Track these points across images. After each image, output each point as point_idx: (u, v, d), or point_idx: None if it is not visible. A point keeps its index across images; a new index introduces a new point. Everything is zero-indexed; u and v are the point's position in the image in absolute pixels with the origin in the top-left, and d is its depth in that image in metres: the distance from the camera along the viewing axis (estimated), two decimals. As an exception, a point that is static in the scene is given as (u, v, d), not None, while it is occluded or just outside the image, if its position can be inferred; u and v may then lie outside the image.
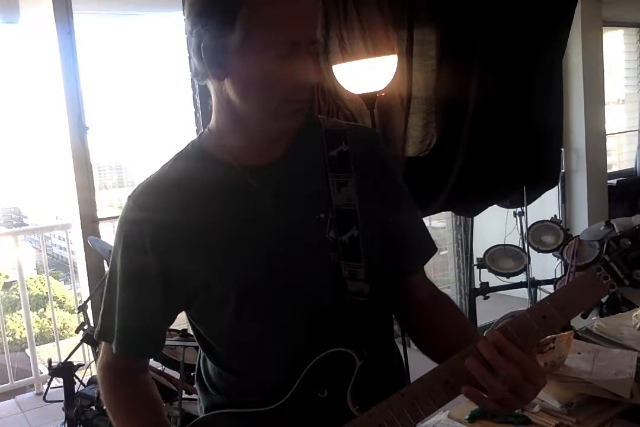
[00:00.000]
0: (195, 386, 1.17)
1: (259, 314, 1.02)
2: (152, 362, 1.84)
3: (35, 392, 3.83)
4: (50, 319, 6.82)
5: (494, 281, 3.90)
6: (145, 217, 1.02)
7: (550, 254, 4.00)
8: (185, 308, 1.08)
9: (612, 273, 0.90)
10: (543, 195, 4.01)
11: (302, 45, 0.92)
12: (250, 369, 1.06)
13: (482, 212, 3.85)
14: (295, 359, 1.00)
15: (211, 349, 1.09)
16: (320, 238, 1.02)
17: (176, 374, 2.40)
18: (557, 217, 4.24)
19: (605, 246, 0.92)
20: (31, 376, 3.95)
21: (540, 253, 3.95)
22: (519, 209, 3.97)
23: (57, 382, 2.74)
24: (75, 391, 2.61)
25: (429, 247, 1.16)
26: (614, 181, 5.33)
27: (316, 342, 1.00)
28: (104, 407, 1.11)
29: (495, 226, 4.30)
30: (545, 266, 4.37)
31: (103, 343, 1.11)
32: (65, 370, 2.58)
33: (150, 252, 1.01)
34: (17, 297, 7.19)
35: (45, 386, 3.12)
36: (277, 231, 1.01)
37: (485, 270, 3.87)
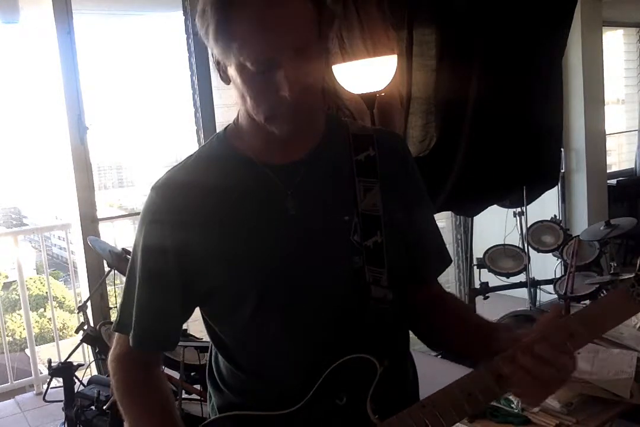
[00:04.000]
0: (207, 382, 1.15)
1: (278, 315, 1.00)
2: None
3: (35, 392, 3.82)
4: (50, 319, 6.80)
5: (493, 281, 3.90)
6: (166, 213, 1.01)
7: (550, 254, 4.01)
8: (201, 305, 1.07)
9: None
10: (543, 195, 4.00)
11: (283, 57, 0.89)
12: (265, 370, 1.04)
13: (482, 212, 3.84)
14: (313, 363, 0.98)
15: (225, 347, 1.08)
16: (344, 240, 1.01)
17: (176, 374, 2.39)
18: (557, 217, 4.24)
19: (639, 262, 0.88)
20: (31, 376, 3.94)
21: (540, 253, 3.96)
22: (518, 209, 3.97)
23: (57, 382, 2.74)
24: (75, 391, 2.61)
25: (446, 258, 1.16)
26: (613, 181, 5.34)
27: (336, 347, 0.98)
28: (113, 397, 1.10)
29: (495, 225, 4.29)
30: (545, 266, 4.37)
31: (117, 334, 1.10)
32: (65, 370, 2.58)
33: (169, 250, 1.00)
34: (17, 297, 7.18)
35: (45, 386, 3.11)
36: (299, 232, 1.00)
37: (485, 270, 3.87)
